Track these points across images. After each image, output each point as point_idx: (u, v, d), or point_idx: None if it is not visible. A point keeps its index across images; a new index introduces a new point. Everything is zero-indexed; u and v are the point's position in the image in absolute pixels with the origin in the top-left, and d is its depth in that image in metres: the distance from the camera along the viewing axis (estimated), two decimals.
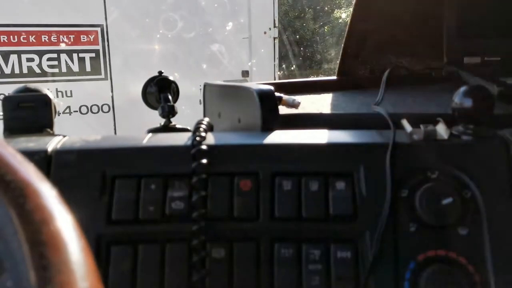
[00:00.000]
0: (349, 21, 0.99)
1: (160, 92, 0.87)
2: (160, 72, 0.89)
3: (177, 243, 0.50)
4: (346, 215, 0.50)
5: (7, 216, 0.24)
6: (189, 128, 0.87)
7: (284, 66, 8.55)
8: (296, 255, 0.49)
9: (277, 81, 1.22)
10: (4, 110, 0.64)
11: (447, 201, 0.49)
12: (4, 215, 0.24)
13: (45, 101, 0.66)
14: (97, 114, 3.78)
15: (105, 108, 3.80)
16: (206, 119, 0.59)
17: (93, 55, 3.67)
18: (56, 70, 3.59)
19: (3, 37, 3.39)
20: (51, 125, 0.65)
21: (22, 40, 3.45)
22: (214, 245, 0.49)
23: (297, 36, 9.40)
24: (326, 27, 9.84)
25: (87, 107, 3.74)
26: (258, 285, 0.49)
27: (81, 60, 3.64)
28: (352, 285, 0.48)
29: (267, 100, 0.61)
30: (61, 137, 0.56)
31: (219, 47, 3.92)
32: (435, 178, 0.51)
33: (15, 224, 0.23)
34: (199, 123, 0.57)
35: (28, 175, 0.26)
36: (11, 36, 3.42)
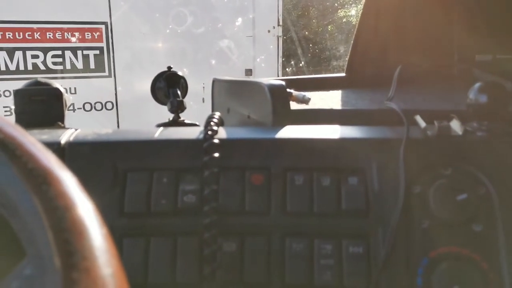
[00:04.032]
0: (358, 18, 0.98)
1: (169, 87, 0.87)
2: (169, 68, 0.89)
3: (189, 236, 0.50)
4: (358, 210, 0.50)
5: (30, 203, 0.24)
6: (197, 123, 0.87)
7: (292, 62, 8.52)
8: (308, 250, 0.49)
9: (286, 77, 1.22)
10: (15, 104, 0.64)
11: (461, 197, 0.48)
12: (28, 202, 0.24)
13: (57, 95, 0.66)
14: (100, 111, 3.78)
15: (109, 106, 3.80)
16: (218, 113, 0.59)
17: (97, 52, 3.67)
18: (60, 67, 3.60)
19: (8, 34, 3.40)
20: (62, 119, 0.65)
21: (27, 37, 3.46)
22: (225, 239, 0.49)
23: (306, 33, 9.37)
24: (330, 26, 9.80)
25: (90, 104, 3.74)
26: (269, 280, 0.49)
27: (86, 57, 3.64)
28: (364, 281, 0.48)
29: (279, 95, 0.61)
30: (73, 130, 0.56)
31: (228, 43, 3.90)
32: (449, 175, 0.50)
33: (39, 210, 0.23)
34: (210, 117, 0.57)
35: (49, 163, 0.26)
36: (16, 33, 3.43)
